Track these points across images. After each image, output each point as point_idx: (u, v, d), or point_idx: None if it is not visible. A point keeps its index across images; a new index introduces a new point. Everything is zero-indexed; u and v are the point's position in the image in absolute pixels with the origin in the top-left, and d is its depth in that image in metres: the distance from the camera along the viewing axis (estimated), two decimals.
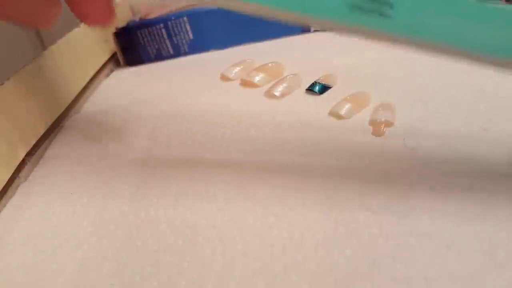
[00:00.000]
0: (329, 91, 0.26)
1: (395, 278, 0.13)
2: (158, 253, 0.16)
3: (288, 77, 0.27)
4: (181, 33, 0.36)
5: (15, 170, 0.21)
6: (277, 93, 0.26)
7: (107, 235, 0.17)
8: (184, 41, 0.37)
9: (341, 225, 0.15)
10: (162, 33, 0.36)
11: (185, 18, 0.36)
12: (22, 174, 0.22)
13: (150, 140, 0.24)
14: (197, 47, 0.37)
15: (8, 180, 0.21)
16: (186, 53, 0.37)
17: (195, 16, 0.36)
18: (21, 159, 0.22)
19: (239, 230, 0.16)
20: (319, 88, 0.26)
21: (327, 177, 0.18)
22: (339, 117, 0.22)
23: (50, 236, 0.17)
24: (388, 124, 0.21)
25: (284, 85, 0.26)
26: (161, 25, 0.36)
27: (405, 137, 0.20)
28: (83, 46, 0.33)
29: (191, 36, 0.37)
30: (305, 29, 0.37)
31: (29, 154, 0.23)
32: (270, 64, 0.29)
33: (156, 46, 0.37)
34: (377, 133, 0.20)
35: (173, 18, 0.36)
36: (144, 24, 0.36)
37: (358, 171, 0.18)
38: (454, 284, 0.13)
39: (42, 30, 0.32)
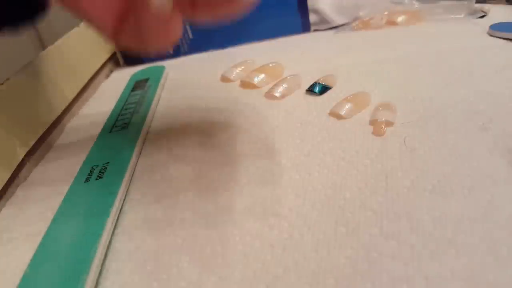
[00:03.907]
0: (329, 91, 0.26)
1: (395, 278, 0.13)
2: (157, 253, 0.16)
3: (288, 77, 0.27)
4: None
5: (14, 170, 0.21)
6: (277, 94, 0.26)
7: None
8: (184, 41, 0.37)
9: (341, 225, 0.15)
10: None
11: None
12: (22, 174, 0.22)
13: (151, 140, 0.24)
14: (197, 46, 0.37)
15: (8, 180, 0.21)
16: (186, 53, 0.37)
17: None
18: (21, 159, 0.22)
19: (239, 230, 0.16)
20: (319, 89, 0.26)
21: (327, 177, 0.18)
22: (339, 117, 0.22)
23: None
24: (389, 124, 0.21)
25: (284, 85, 0.26)
26: None
27: (405, 137, 0.20)
28: (83, 46, 0.33)
29: (190, 35, 0.37)
30: (305, 29, 0.38)
31: (29, 154, 0.23)
32: (270, 65, 0.30)
33: None
34: (377, 133, 0.20)
35: None
36: None
37: (359, 171, 0.18)
38: (455, 283, 0.13)
39: (42, 29, 0.32)
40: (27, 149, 0.23)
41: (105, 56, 0.37)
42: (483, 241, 0.14)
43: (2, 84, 0.22)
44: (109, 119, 0.26)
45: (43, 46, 0.28)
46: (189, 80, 0.32)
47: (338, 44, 0.34)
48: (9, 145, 0.21)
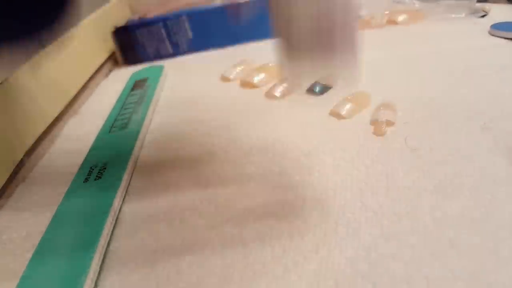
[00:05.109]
0: (330, 91, 0.26)
1: (396, 278, 0.13)
2: (157, 253, 0.15)
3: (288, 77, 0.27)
4: (181, 32, 0.36)
5: (13, 170, 0.21)
6: (277, 94, 0.26)
7: None
8: (183, 40, 0.37)
9: (341, 226, 0.15)
10: (161, 32, 0.36)
11: (184, 17, 0.36)
12: (21, 174, 0.22)
13: (150, 140, 0.24)
14: (196, 46, 0.37)
15: (7, 180, 0.20)
16: (185, 52, 0.37)
17: (195, 15, 0.36)
18: (20, 159, 0.22)
19: (239, 230, 0.16)
20: (319, 89, 0.26)
21: (328, 177, 0.18)
22: (339, 117, 0.22)
23: None
24: (389, 123, 0.21)
25: (284, 85, 0.26)
26: (160, 24, 0.36)
27: (406, 136, 0.20)
28: (82, 45, 0.33)
29: (190, 35, 0.37)
30: None
31: (28, 154, 0.23)
32: (270, 64, 0.29)
33: (155, 45, 0.37)
34: (378, 132, 0.20)
35: (172, 17, 0.36)
36: (143, 23, 0.36)
37: (359, 171, 0.18)
38: (456, 283, 0.13)
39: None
40: (26, 149, 0.23)
41: (105, 55, 0.37)
42: (484, 241, 0.14)
43: (1, 83, 0.22)
44: (108, 119, 0.26)
45: (42, 45, 0.28)
46: (189, 80, 0.32)
47: None
48: (8, 145, 0.21)
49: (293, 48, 0.13)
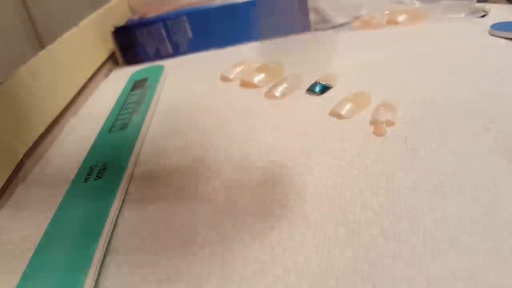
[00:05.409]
0: (330, 91, 0.26)
1: (396, 279, 0.13)
2: (157, 253, 0.15)
3: (288, 77, 0.27)
4: (180, 32, 0.36)
5: (13, 170, 0.21)
6: (277, 94, 0.26)
7: None
8: (183, 40, 0.37)
9: (341, 226, 0.15)
10: (161, 32, 0.36)
11: (184, 17, 0.36)
12: (21, 174, 0.22)
13: (150, 140, 0.24)
14: (196, 46, 0.37)
15: (7, 180, 0.21)
16: (185, 52, 0.37)
17: (195, 15, 0.36)
18: (20, 159, 0.22)
19: (239, 231, 0.16)
20: (319, 89, 0.26)
21: (328, 178, 0.18)
22: (340, 117, 0.22)
23: None
24: (389, 124, 0.21)
25: (284, 85, 0.26)
26: (160, 24, 0.36)
27: (406, 136, 0.20)
28: (82, 45, 0.33)
29: (190, 35, 0.37)
30: (305, 28, 0.37)
31: (28, 154, 0.23)
32: (270, 64, 0.29)
33: (155, 45, 0.37)
34: (378, 133, 0.20)
35: (172, 17, 0.36)
36: (143, 23, 0.36)
37: (359, 171, 0.18)
38: (456, 283, 0.13)
39: (41, 28, 0.31)
40: (26, 149, 0.23)
41: (104, 55, 0.37)
42: (484, 241, 0.14)
43: (1, 83, 0.22)
44: (108, 119, 0.26)
45: (42, 46, 0.28)
46: (189, 80, 0.32)
47: (338, 43, 0.34)
48: (8, 144, 0.21)
49: None
